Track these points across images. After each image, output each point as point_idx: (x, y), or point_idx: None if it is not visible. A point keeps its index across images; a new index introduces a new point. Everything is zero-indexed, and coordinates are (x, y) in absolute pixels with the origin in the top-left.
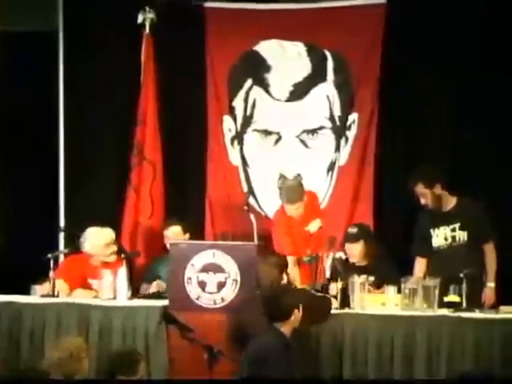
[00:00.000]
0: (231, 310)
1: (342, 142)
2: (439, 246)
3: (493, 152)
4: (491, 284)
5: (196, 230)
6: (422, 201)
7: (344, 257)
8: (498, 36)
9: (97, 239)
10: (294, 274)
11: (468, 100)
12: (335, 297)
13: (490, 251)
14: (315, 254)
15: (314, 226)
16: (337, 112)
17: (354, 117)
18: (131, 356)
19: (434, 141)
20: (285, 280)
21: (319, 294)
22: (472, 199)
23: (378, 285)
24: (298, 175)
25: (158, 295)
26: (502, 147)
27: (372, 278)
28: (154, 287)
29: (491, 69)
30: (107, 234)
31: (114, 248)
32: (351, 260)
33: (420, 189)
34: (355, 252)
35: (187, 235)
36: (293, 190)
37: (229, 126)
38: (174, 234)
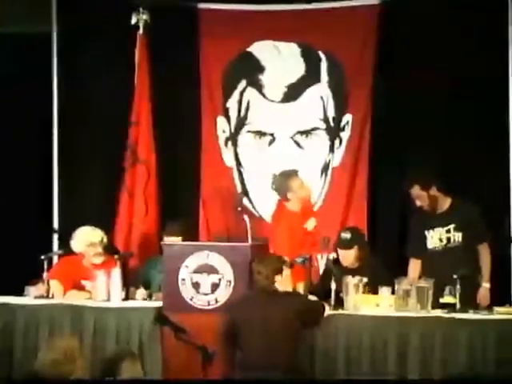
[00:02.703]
0: (225, 311)
1: (336, 142)
2: (434, 247)
3: (486, 153)
4: (486, 284)
5: (192, 236)
6: (418, 203)
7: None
8: (494, 38)
9: (82, 237)
10: (287, 277)
11: (463, 101)
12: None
13: (484, 251)
14: (308, 255)
15: (311, 223)
16: (331, 113)
17: (348, 118)
18: (112, 357)
19: (427, 142)
20: (278, 282)
21: (312, 299)
22: (465, 200)
23: (371, 287)
24: None
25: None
26: (495, 148)
27: (365, 279)
28: (138, 295)
29: (487, 70)
30: (94, 234)
31: (98, 250)
32: (344, 264)
33: (416, 191)
34: (349, 258)
35: None
36: (297, 176)
37: (223, 127)
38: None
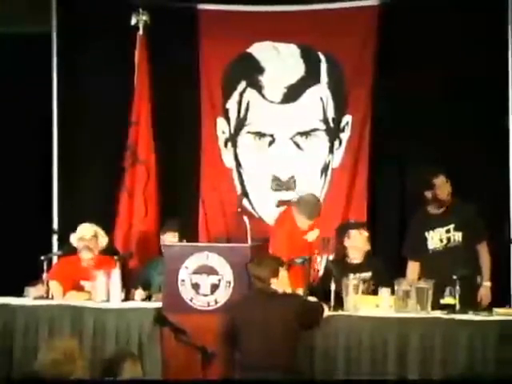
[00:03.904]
0: (225, 312)
1: (336, 143)
2: (435, 247)
3: (486, 153)
4: (487, 283)
5: (190, 233)
6: (439, 192)
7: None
8: (494, 38)
9: (76, 232)
10: (284, 279)
11: (463, 101)
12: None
13: (483, 251)
14: (308, 256)
15: (312, 235)
16: (330, 114)
17: (347, 119)
18: (112, 358)
19: (427, 142)
20: (274, 284)
21: (311, 300)
22: (463, 200)
23: (375, 282)
24: (292, 177)
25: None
26: (495, 148)
27: (369, 274)
28: (137, 296)
29: (487, 70)
30: (87, 229)
31: (85, 243)
32: (352, 254)
33: (441, 179)
34: (363, 239)
35: (184, 242)
36: (316, 207)
37: (222, 128)
38: (171, 241)
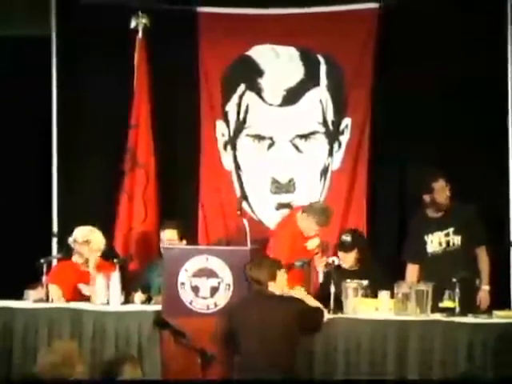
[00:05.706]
0: (224, 314)
1: (335, 146)
2: (434, 251)
3: (486, 154)
4: (485, 287)
5: (189, 235)
6: (437, 196)
7: (337, 262)
8: (494, 38)
9: (73, 234)
10: (282, 282)
11: (462, 102)
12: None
13: (483, 254)
14: (307, 259)
15: (312, 243)
16: (330, 116)
17: (347, 121)
18: (112, 360)
19: (427, 144)
20: (272, 287)
21: (312, 305)
22: (463, 202)
23: (372, 289)
24: (291, 180)
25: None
26: (495, 149)
27: (366, 282)
28: (137, 299)
29: (486, 70)
30: (78, 232)
31: (76, 247)
32: (344, 266)
33: (440, 183)
34: (349, 260)
35: (184, 242)
36: (326, 214)
37: (222, 130)
38: (169, 237)
